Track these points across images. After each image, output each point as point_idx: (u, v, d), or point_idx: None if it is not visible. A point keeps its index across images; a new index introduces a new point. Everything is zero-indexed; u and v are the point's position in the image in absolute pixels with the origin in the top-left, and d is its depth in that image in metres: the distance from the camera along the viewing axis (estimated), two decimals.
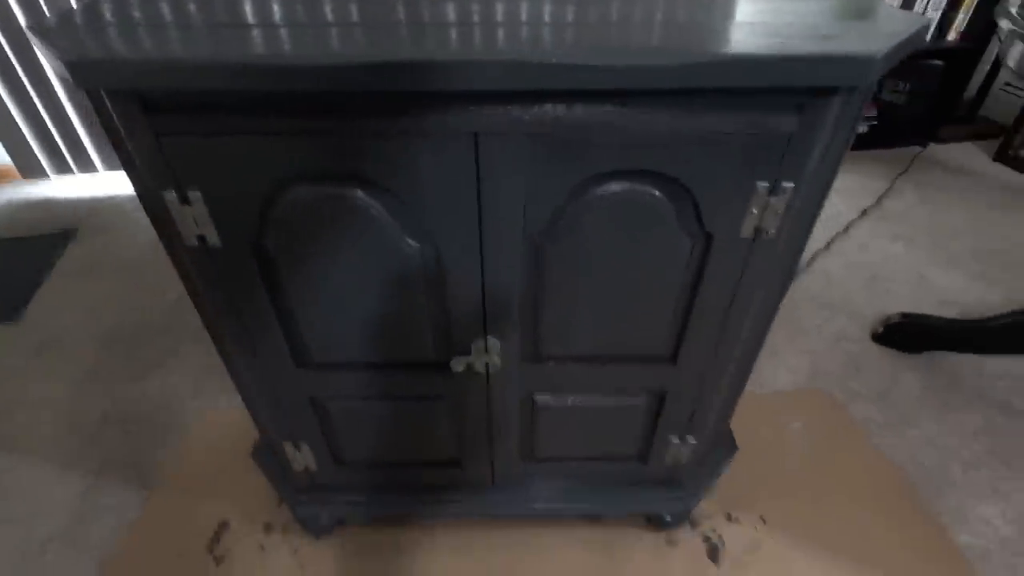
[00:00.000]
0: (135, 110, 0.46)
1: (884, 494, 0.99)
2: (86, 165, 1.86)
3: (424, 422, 0.76)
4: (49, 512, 0.97)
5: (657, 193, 0.53)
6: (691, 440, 0.78)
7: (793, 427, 1.10)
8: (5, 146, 1.77)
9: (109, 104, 0.46)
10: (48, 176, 1.87)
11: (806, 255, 1.57)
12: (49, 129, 1.77)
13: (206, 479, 1.01)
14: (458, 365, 0.65)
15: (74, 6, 1.66)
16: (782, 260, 0.60)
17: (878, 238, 1.65)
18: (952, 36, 1.96)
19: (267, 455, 0.92)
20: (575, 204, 0.53)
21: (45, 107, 1.72)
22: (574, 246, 0.56)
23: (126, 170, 0.54)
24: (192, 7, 0.52)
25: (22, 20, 1.56)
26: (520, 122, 0.47)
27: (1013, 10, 0.88)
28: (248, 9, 0.51)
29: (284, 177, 0.50)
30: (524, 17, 0.50)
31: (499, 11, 0.51)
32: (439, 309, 0.62)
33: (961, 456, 1.05)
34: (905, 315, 1.27)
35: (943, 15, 1.92)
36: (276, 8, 0.52)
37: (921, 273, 1.51)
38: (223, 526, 0.94)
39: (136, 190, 0.55)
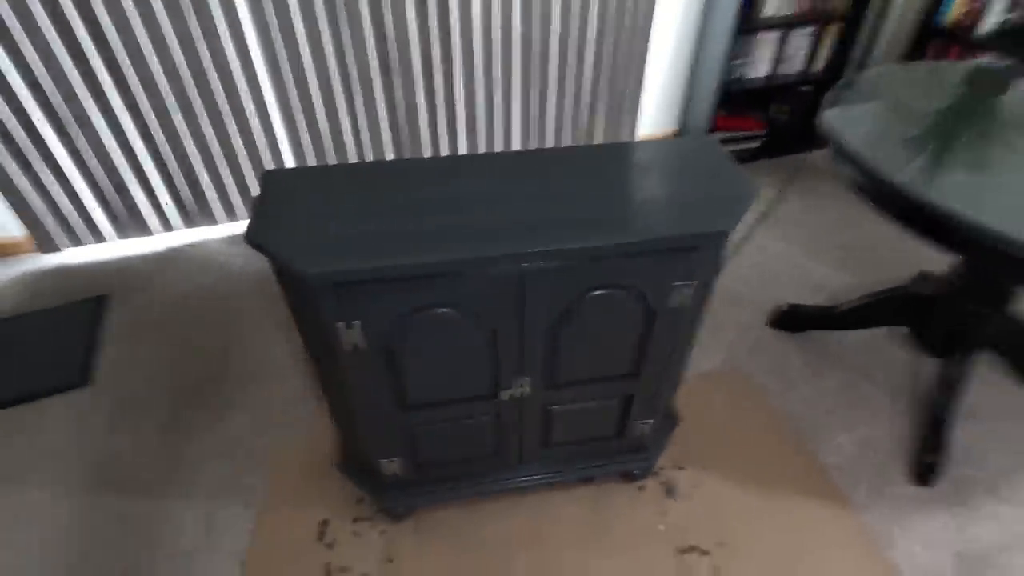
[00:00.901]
0: (332, 287, 0.80)
1: (777, 438, 1.46)
2: (98, 236, 2.06)
3: (476, 432, 1.13)
4: (184, 531, 1.28)
5: (623, 293, 0.92)
6: (650, 421, 1.20)
7: (715, 398, 1.55)
8: (23, 220, 1.95)
9: (315, 289, 0.80)
10: (60, 249, 2.06)
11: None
12: (61, 203, 1.96)
13: (298, 492, 1.35)
14: (505, 395, 1.03)
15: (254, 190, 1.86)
16: (693, 315, 1.01)
17: (771, 239, 2.14)
18: (817, 68, 2.46)
19: (351, 466, 1.27)
20: (577, 303, 0.92)
21: (58, 181, 1.91)
22: (577, 324, 0.95)
23: (303, 310, 0.88)
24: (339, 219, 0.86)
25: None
26: (545, 268, 0.85)
27: (825, 126, 1.31)
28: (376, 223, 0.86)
29: (411, 309, 0.86)
30: (534, 218, 0.87)
31: (534, 218, 0.88)
32: (492, 364, 0.99)
33: (824, 405, 1.54)
34: (791, 305, 1.75)
35: (809, 54, 2.41)
36: (390, 222, 0.87)
37: (801, 266, 2.00)
38: (324, 523, 1.29)
39: (305, 324, 0.89)
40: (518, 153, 1.02)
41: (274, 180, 0.94)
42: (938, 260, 2.02)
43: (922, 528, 1.27)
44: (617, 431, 1.23)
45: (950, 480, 1.36)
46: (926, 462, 1.34)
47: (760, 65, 2.39)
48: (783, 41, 2.35)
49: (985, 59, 2.05)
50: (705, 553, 1.23)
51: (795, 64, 2.44)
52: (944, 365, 1.45)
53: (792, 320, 1.74)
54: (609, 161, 0.99)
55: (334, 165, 0.98)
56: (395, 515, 1.28)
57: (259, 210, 0.87)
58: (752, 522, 1.29)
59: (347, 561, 1.22)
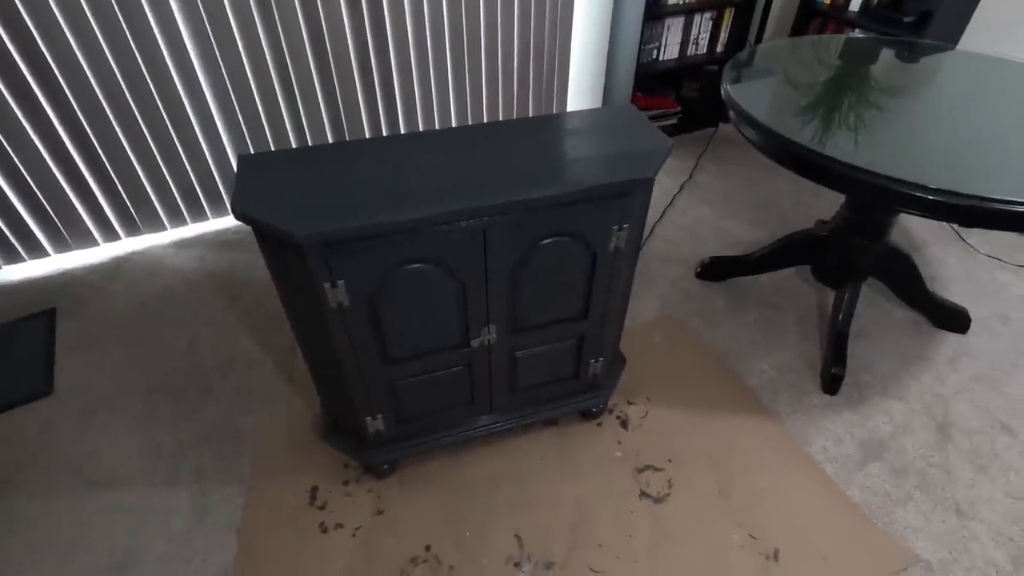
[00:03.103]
0: (320, 247, 0.91)
1: (709, 369, 1.67)
2: (38, 251, 2.02)
3: (451, 382, 1.26)
4: (177, 513, 1.34)
5: (568, 239, 1.07)
6: (601, 360, 1.37)
7: (655, 341, 1.75)
8: None
9: (304, 247, 0.90)
10: None
11: (648, 227, 2.24)
12: None
13: (285, 465, 1.43)
14: (475, 343, 1.17)
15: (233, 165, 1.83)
16: (629, 256, 1.18)
17: (692, 204, 2.37)
18: (720, 48, 2.73)
19: (335, 434, 1.37)
20: (531, 251, 1.06)
21: None
22: (533, 269, 1.10)
23: (287, 274, 0.98)
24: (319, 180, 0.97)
25: None
26: (504, 221, 0.99)
27: (725, 90, 1.53)
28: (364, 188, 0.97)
29: (392, 265, 0.98)
30: (500, 174, 1.01)
31: (492, 175, 1.02)
32: (461, 314, 1.12)
33: (748, 337, 1.77)
34: (712, 258, 1.97)
35: (711, 36, 2.68)
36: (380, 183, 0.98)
37: (720, 226, 2.25)
38: (314, 489, 1.38)
39: (285, 284, 0.99)
40: (463, 127, 1.15)
41: (249, 162, 1.03)
42: (829, 209, 2.31)
43: (832, 427, 1.51)
44: (574, 372, 1.39)
45: (850, 386, 1.62)
46: (831, 375, 1.59)
47: (671, 48, 2.63)
48: (688, 25, 2.60)
49: (856, 33, 2.37)
50: (659, 470, 1.42)
51: (701, 46, 2.70)
52: (839, 294, 1.71)
53: (715, 270, 1.96)
54: (545, 129, 1.14)
55: (303, 147, 1.08)
56: (380, 472, 1.39)
57: (240, 187, 0.96)
58: (695, 440, 1.49)
59: (340, 518, 1.32)
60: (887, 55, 1.67)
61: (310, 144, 2.22)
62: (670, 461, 1.44)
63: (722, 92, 1.50)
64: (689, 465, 1.43)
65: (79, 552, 1.27)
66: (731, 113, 1.45)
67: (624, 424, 1.52)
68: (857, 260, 1.67)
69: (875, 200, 1.17)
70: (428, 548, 1.27)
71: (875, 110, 1.36)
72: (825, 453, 1.45)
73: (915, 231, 2.24)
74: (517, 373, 1.32)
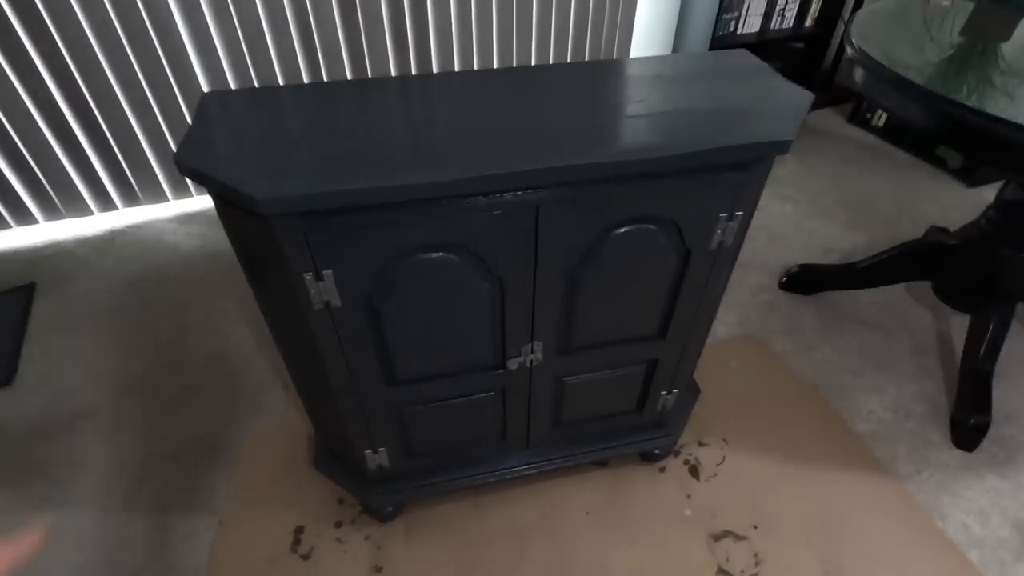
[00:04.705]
0: (296, 222, 0.61)
1: (802, 406, 1.32)
2: (25, 218, 1.80)
3: (477, 412, 0.96)
4: (129, 548, 1.07)
5: (655, 229, 0.75)
6: (675, 391, 1.04)
7: (732, 366, 1.41)
8: None
9: (276, 220, 0.61)
10: None
11: None
12: None
13: (267, 494, 1.15)
14: (513, 364, 0.86)
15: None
16: (730, 258, 0.85)
17: (771, 200, 2.01)
18: (808, 23, 2.34)
19: (328, 460, 1.08)
20: (600, 242, 0.75)
21: None
22: (598, 270, 0.78)
23: (257, 259, 0.69)
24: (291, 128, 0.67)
25: None
26: (566, 197, 0.68)
27: (854, 40, 1.18)
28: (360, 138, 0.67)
29: (398, 252, 0.68)
30: (571, 131, 0.70)
31: (557, 134, 0.70)
32: (497, 325, 0.82)
33: (849, 367, 1.41)
34: (802, 266, 1.62)
35: (800, 7, 2.29)
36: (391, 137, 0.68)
37: (805, 227, 1.88)
38: (299, 530, 1.10)
39: (264, 273, 0.70)
40: (512, 69, 0.84)
41: (214, 102, 0.74)
42: (940, 213, 1.92)
43: (973, 497, 1.15)
44: (637, 404, 1.07)
45: (991, 441, 1.25)
46: (967, 424, 1.22)
47: (752, 20, 2.26)
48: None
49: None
50: (741, 538, 1.09)
51: (787, 19, 2.32)
52: (976, 318, 1.33)
53: (804, 281, 1.61)
54: (624, 75, 0.82)
55: (290, 85, 0.79)
56: (382, 515, 1.10)
57: (195, 132, 0.67)
58: (788, 500, 1.15)
59: (328, 574, 1.04)
60: None
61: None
62: (756, 527, 1.10)
63: (852, 53, 1.14)
64: (781, 535, 1.09)
65: None
66: (862, 78, 1.10)
67: (695, 472, 1.19)
68: (1008, 278, 1.29)
69: None
70: None
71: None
72: (967, 533, 1.09)
73: None
74: (564, 404, 1.00)
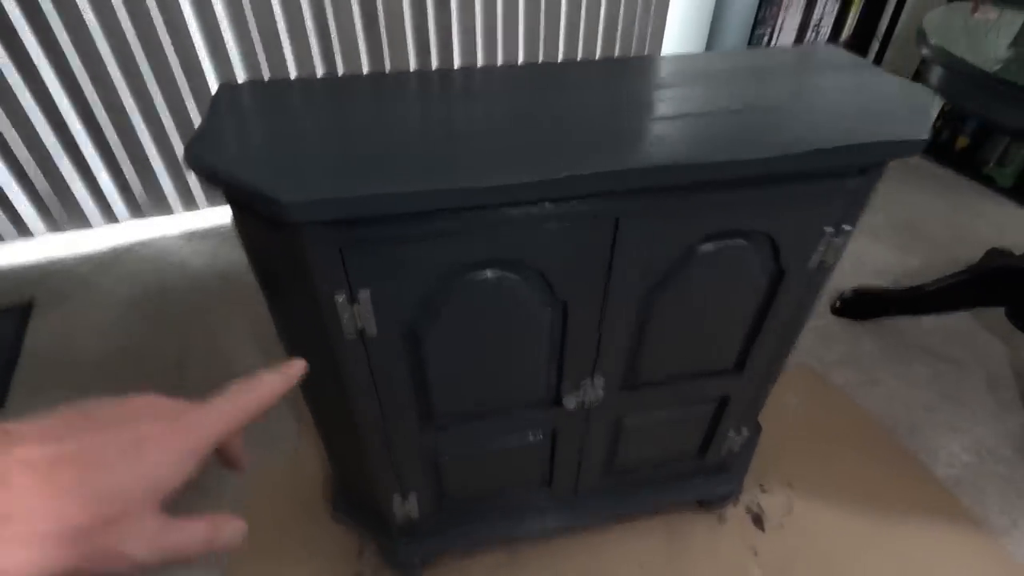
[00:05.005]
0: (329, 232, 0.50)
1: (871, 444, 1.19)
2: (23, 231, 1.71)
3: (524, 456, 0.83)
4: None
5: (746, 244, 0.64)
6: (744, 431, 0.92)
7: (790, 401, 1.28)
8: None
9: (303, 229, 0.49)
10: None
11: None
12: None
13: (277, 543, 1.02)
14: (570, 403, 0.74)
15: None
16: (822, 280, 0.73)
17: None
18: (844, 36, 2.26)
19: (349, 507, 0.95)
20: (682, 262, 0.63)
21: None
22: (676, 294, 0.66)
23: (279, 277, 0.57)
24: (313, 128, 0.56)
25: None
26: (653, 207, 0.56)
27: (932, 40, 1.07)
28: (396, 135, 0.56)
29: (447, 270, 0.56)
30: (656, 131, 0.59)
31: (634, 134, 0.59)
32: (555, 357, 0.70)
33: (921, 402, 1.28)
34: (855, 290, 1.49)
35: (836, 22, 2.21)
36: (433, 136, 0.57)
37: (853, 248, 1.76)
38: None
39: (283, 297, 0.58)
40: (563, 63, 0.73)
41: (235, 94, 0.64)
42: (999, 235, 1.79)
43: None
44: (701, 447, 0.94)
45: None
46: None
47: (786, 34, 2.18)
48: (811, 5, 2.14)
49: None
50: None
51: (823, 32, 2.23)
52: None
53: (860, 306, 1.48)
54: (709, 69, 0.71)
55: (313, 77, 0.68)
56: (408, 569, 0.96)
57: (209, 126, 0.56)
58: (865, 555, 1.00)
59: None
60: None
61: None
62: None
63: (928, 53, 1.03)
64: None
65: None
66: (941, 78, 0.99)
67: (759, 522, 1.05)
68: None
69: None
70: None
71: None
72: None
73: None
74: (620, 447, 0.87)
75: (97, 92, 1.55)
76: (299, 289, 0.57)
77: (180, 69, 1.60)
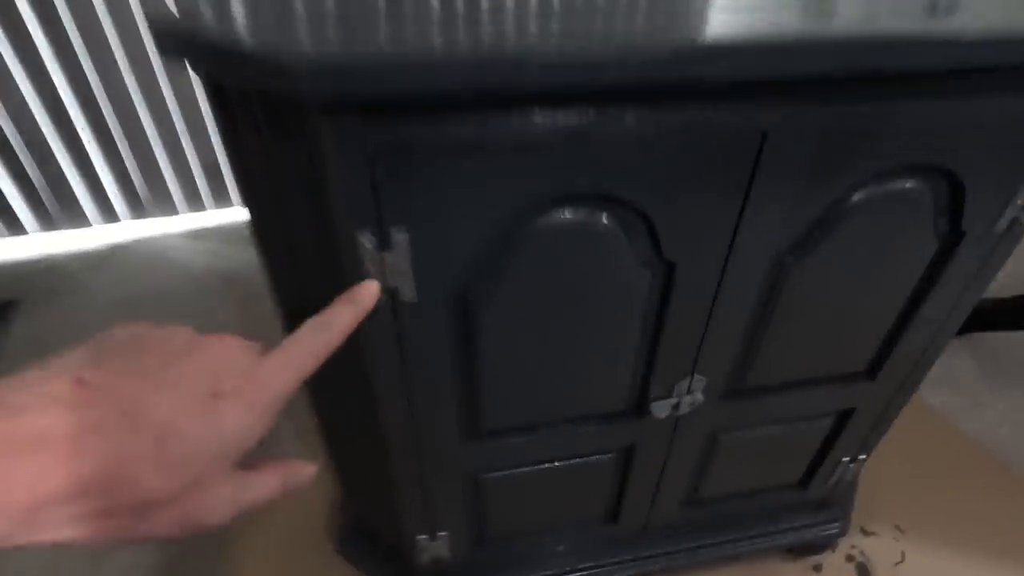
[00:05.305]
0: (354, 124, 0.33)
1: (988, 478, 0.98)
2: (15, 227, 1.57)
3: (589, 479, 0.65)
4: None
5: (920, 187, 0.46)
6: (861, 458, 0.72)
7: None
8: None
9: (320, 120, 0.33)
10: None
11: None
12: None
13: None
14: (662, 410, 0.56)
15: None
16: (1008, 251, 0.55)
17: None
18: None
19: (359, 544, 0.77)
20: (833, 212, 0.46)
21: None
22: (818, 260, 0.49)
23: (278, 203, 0.41)
24: None
25: None
26: (814, 118, 0.39)
27: None
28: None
29: (516, 205, 0.39)
30: None
31: None
32: (648, 348, 0.52)
33: None
34: None
35: None
36: None
37: None
38: None
39: (267, 235, 0.41)
40: None
41: None
42: None
43: None
44: (804, 476, 0.74)
45: None
46: None
47: None
48: None
49: None
50: None
51: None
52: None
53: None
54: None
55: None
56: None
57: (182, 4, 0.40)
58: None
59: None
60: None
61: None
62: None
63: None
64: None
65: None
66: None
67: (864, 572, 0.85)
68: None
69: None
70: None
71: None
72: None
73: None
74: (709, 472, 0.68)
75: (103, 85, 1.43)
76: (310, 236, 0.40)
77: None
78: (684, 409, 0.57)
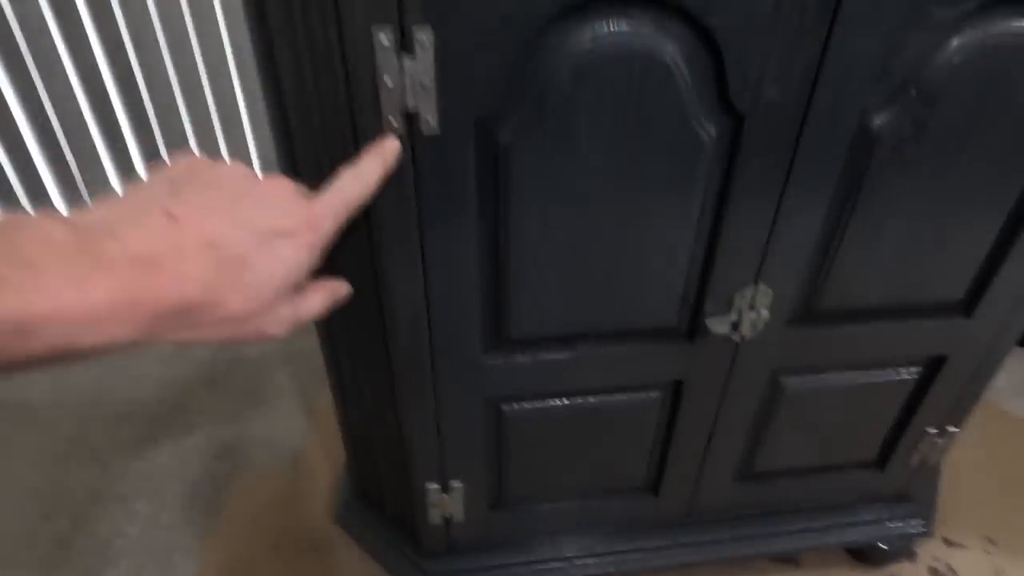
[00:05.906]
0: None
1: None
2: (42, 202, 1.58)
3: (627, 428, 0.55)
4: None
5: None
6: (951, 429, 0.61)
7: (965, 439, 0.95)
8: None
9: None
10: None
11: None
12: None
13: (262, 571, 0.74)
14: (720, 325, 0.47)
15: None
16: None
17: None
18: None
19: (361, 515, 0.67)
20: (942, 54, 0.38)
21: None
22: (918, 128, 0.41)
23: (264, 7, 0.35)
24: None
25: None
26: None
27: None
28: None
29: (573, 3, 0.33)
30: None
31: None
32: (708, 235, 0.44)
33: None
34: None
35: None
36: None
37: None
38: None
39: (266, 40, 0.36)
40: None
41: None
42: None
43: None
44: (881, 452, 0.63)
45: None
46: None
47: None
48: None
49: None
50: None
51: None
52: None
53: None
54: None
55: None
56: None
57: None
58: None
59: None
60: None
61: None
62: None
63: None
64: None
65: None
66: None
67: None
68: None
69: None
70: None
71: None
72: None
73: None
74: (768, 434, 0.58)
75: (140, 63, 1.46)
76: (318, 36, 0.34)
77: (231, 51, 1.50)
78: (745, 329, 0.48)
